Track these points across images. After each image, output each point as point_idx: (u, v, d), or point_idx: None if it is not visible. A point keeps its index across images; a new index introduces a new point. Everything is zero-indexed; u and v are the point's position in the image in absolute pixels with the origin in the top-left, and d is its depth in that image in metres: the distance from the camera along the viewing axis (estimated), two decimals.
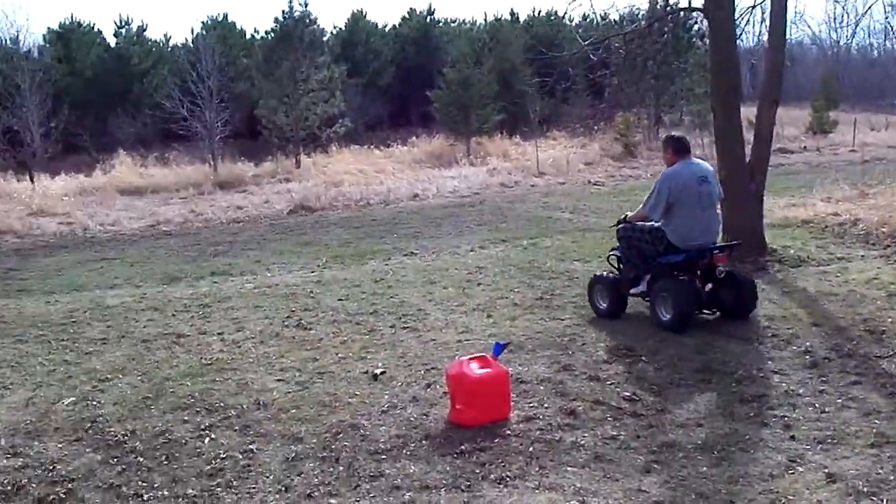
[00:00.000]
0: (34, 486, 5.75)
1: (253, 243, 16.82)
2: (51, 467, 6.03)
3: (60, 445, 6.43)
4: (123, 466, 6.00)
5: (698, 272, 8.51)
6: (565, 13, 44.41)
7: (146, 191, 27.05)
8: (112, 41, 47.78)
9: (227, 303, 11.18)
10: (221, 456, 6.10)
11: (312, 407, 6.97)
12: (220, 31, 47.06)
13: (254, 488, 5.60)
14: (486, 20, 55.19)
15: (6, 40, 47.96)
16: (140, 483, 5.73)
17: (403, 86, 48.58)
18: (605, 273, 9.37)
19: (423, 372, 7.75)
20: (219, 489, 5.61)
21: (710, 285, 8.61)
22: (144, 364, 8.48)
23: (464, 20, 58.77)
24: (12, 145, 29.68)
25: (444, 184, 25.27)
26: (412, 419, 6.62)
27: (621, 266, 9.16)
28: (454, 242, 15.31)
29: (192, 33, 50.41)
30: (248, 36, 49.99)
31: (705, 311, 8.62)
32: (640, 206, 8.86)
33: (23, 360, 8.86)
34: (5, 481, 5.81)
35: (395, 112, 47.53)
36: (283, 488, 5.58)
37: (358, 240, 16.38)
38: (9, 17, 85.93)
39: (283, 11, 35.66)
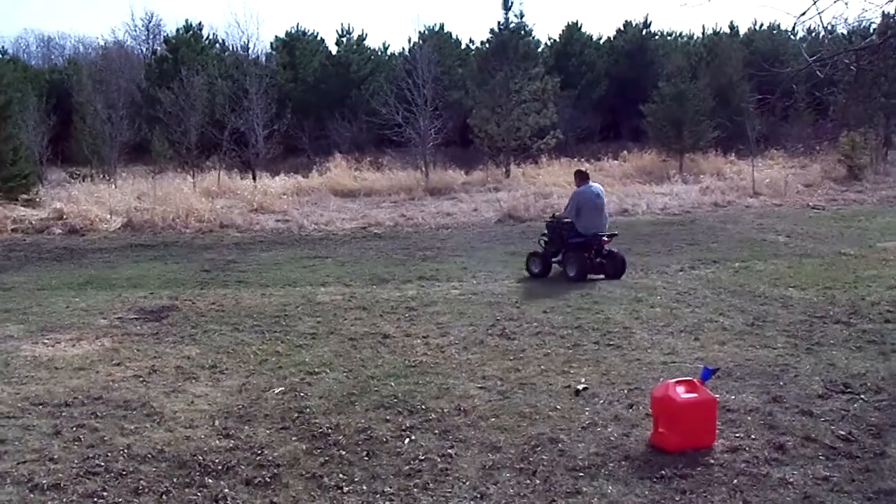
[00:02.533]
0: (243, 467, 6.00)
1: (460, 250, 17.01)
2: (259, 451, 6.28)
3: (269, 431, 6.69)
4: (326, 458, 6.16)
5: (592, 250, 13.53)
6: (793, 27, 42.03)
7: (359, 193, 27.91)
8: (333, 49, 49.78)
9: (433, 307, 11.34)
10: (420, 457, 6.16)
11: (512, 417, 6.94)
12: (436, 40, 48.01)
13: (449, 492, 5.61)
14: (703, 33, 53.47)
15: (237, 48, 51.23)
16: (341, 476, 5.87)
17: (616, 99, 47.89)
18: (537, 250, 14.17)
19: (626, 391, 7.56)
20: (415, 490, 5.66)
21: (598, 259, 13.56)
22: (351, 361, 8.72)
23: (680, 33, 57.05)
24: (238, 146, 31.42)
25: (654, 200, 24.71)
26: (612, 438, 6.45)
27: (547, 244, 14.03)
28: (663, 261, 14.92)
29: (409, 42, 51.65)
30: (464, 46, 50.81)
31: (592, 274, 13.39)
32: (564, 209, 14.29)
33: (238, 348, 9.31)
34: (216, 461, 6.10)
35: (606, 125, 46.92)
36: (479, 496, 5.56)
37: None
38: (241, 25, 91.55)
39: (499, 22, 35.93)
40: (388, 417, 6.97)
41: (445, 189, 28.64)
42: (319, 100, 42.78)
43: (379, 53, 51.38)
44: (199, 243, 18.94)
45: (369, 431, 6.65)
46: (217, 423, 6.88)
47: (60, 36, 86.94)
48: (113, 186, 27.44)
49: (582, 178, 14.01)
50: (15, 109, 26.61)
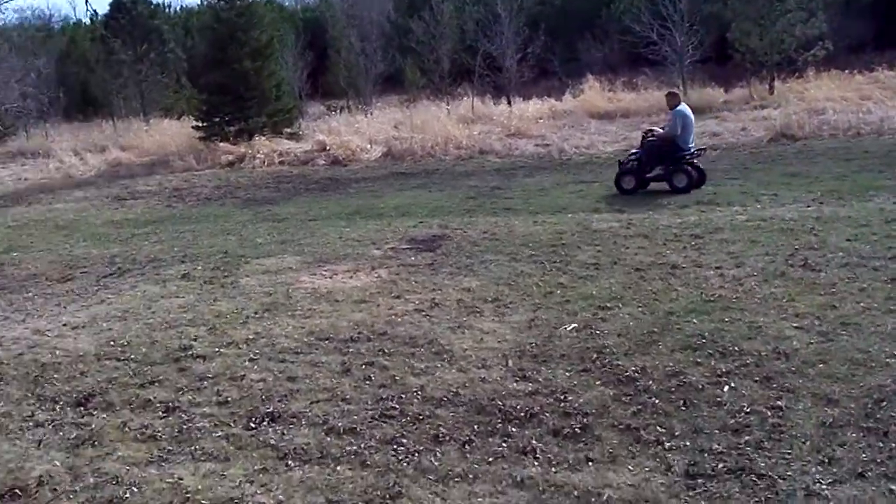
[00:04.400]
0: (547, 415, 5.42)
1: (735, 172, 15.68)
2: (561, 397, 5.67)
3: (569, 374, 6.07)
4: (638, 406, 5.47)
5: (691, 163, 14.10)
6: None
7: (615, 115, 26.74)
8: None
9: (720, 234, 10.30)
10: (745, 409, 5.33)
11: (843, 364, 5.92)
12: None
13: (789, 454, 4.76)
14: None
15: None
16: (659, 428, 5.16)
17: (890, 4, 43.42)
18: (629, 165, 14.39)
19: None
20: (748, 449, 4.85)
21: (694, 171, 14.07)
22: (641, 294, 7.94)
23: None
24: (491, 71, 31.00)
25: None
26: None
27: (642, 160, 14.25)
28: None
29: None
30: None
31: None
32: (666, 129, 14.44)
33: (519, 280, 8.76)
34: (518, 406, 5.55)
35: (879, 32, 42.69)
36: (826, 460, 4.67)
37: (853, 173, 14.53)
38: None
39: None
40: (698, 360, 6.15)
41: (706, 108, 26.86)
42: (568, 21, 41.51)
43: None
44: (460, 170, 18.67)
45: (681, 377, 5.87)
46: (511, 362, 6.34)
47: None
48: (370, 117, 27.79)
49: (675, 98, 14.61)
50: (276, 47, 27.35)
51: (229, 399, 6.01)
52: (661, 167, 14.13)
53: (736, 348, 6.33)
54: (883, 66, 33.10)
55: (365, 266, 9.79)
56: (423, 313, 7.74)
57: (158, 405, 6.00)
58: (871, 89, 28.59)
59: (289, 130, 25.26)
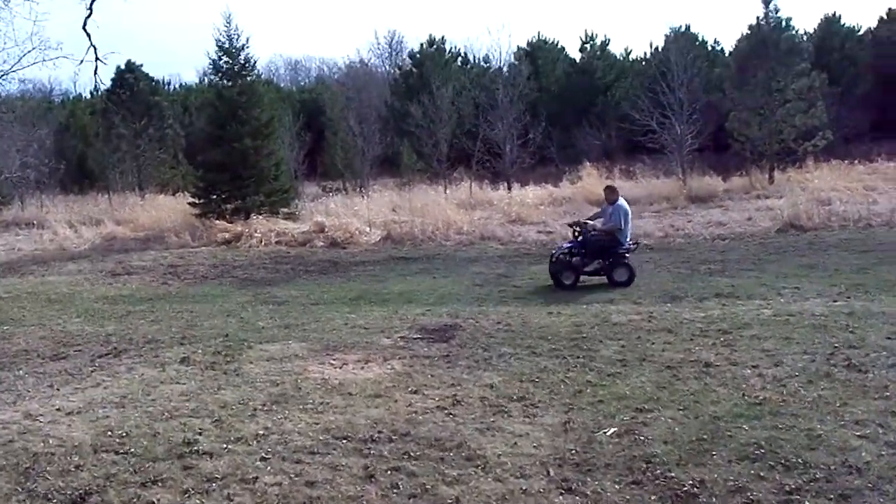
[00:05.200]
0: None
1: (747, 263, 15.29)
2: None
3: (618, 487, 5.51)
4: None
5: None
6: None
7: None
8: (576, 56, 48.79)
9: (749, 330, 9.82)
10: None
11: None
12: (684, 41, 45.89)
13: None
14: None
15: (479, 60, 51.10)
16: None
17: (885, 94, 43.81)
18: (566, 259, 14.02)
19: None
20: None
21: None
22: (679, 395, 7.41)
23: None
24: (491, 156, 30.89)
25: None
26: None
27: (578, 255, 14.01)
28: None
29: (651, 47, 49.71)
30: (710, 48, 48.31)
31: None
32: (606, 223, 14.26)
33: (543, 376, 8.22)
34: None
35: (876, 123, 42.97)
36: None
37: (873, 266, 14.16)
38: (491, 34, 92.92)
39: (758, 18, 33.54)
40: (760, 473, 5.59)
41: (707, 197, 26.78)
42: (565, 108, 41.79)
43: (622, 59, 49.78)
44: (463, 256, 18.23)
45: (745, 493, 5.31)
46: (552, 472, 5.76)
47: (306, 59, 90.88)
48: (367, 199, 27.49)
49: (614, 193, 14.44)
50: (276, 127, 27.18)
51: None
52: (598, 261, 14.01)
53: (799, 460, 5.78)
54: (882, 155, 33.22)
55: (376, 356, 9.23)
56: (446, 411, 7.16)
57: None
58: (874, 179, 28.61)
59: (286, 210, 24.88)
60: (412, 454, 6.16)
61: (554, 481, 5.61)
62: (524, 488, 5.51)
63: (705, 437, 6.29)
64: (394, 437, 6.52)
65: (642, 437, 6.35)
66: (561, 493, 5.43)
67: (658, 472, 5.69)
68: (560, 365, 8.64)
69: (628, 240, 14.22)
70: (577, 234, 14.31)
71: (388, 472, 5.83)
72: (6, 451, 6.52)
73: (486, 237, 20.50)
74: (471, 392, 7.73)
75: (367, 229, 21.62)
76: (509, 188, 28.76)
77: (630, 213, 14.39)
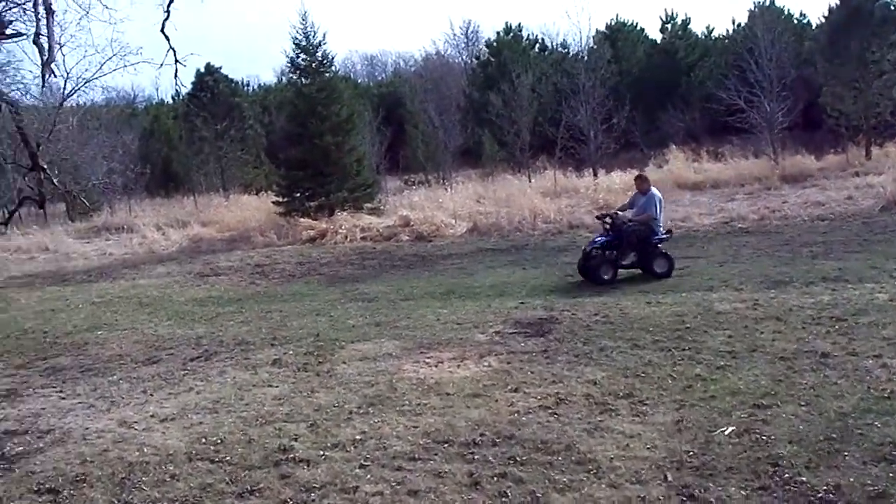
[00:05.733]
0: None
1: (853, 244, 14.55)
2: None
3: (744, 493, 5.10)
4: None
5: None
6: None
7: (704, 186, 25.71)
8: (657, 37, 47.78)
9: (865, 316, 9.21)
10: None
11: None
12: (768, 16, 44.51)
13: None
14: None
15: (556, 46, 50.46)
16: None
17: None
18: (602, 253, 13.37)
19: None
20: None
21: None
22: (798, 390, 6.91)
23: None
24: (575, 142, 30.31)
25: None
26: None
27: (609, 251, 13.37)
28: None
29: (734, 24, 48.21)
30: (795, 21, 46.73)
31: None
32: (638, 213, 13.63)
33: (649, 371, 7.80)
34: None
35: None
36: None
37: None
38: (570, 18, 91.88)
39: None
40: None
41: (800, 176, 25.73)
42: (647, 90, 40.78)
43: (704, 38, 48.52)
44: (552, 245, 17.83)
45: (889, 498, 4.85)
46: (670, 476, 5.37)
47: (382, 53, 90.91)
48: (450, 191, 27.22)
49: (646, 182, 14.14)
50: (356, 122, 27.08)
51: None
52: (633, 254, 13.40)
53: None
54: None
55: (472, 353, 8.92)
56: (550, 411, 6.81)
57: None
58: None
59: (370, 205, 24.75)
60: (518, 458, 5.82)
61: (673, 487, 5.21)
62: (642, 496, 5.12)
63: (834, 435, 5.81)
64: (497, 441, 6.19)
65: (764, 437, 5.90)
66: (682, 501, 5.03)
67: (786, 475, 5.24)
68: (665, 358, 8.20)
69: (661, 229, 13.69)
70: (607, 226, 13.62)
71: (495, 479, 5.50)
72: (102, 462, 6.39)
73: (574, 225, 20.03)
74: (574, 389, 7.36)
75: (453, 221, 21.34)
76: (595, 175, 28.12)
77: (663, 201, 14.06)
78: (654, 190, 13.83)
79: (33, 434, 7.26)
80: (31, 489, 5.97)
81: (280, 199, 25.36)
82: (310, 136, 24.51)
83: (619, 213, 13.85)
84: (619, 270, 13.26)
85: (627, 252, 13.35)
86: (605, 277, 13.01)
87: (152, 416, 7.55)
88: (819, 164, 27.70)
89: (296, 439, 6.53)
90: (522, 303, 11.73)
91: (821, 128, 33.32)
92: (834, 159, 28.42)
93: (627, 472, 5.47)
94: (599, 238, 13.55)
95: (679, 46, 45.56)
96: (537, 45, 49.68)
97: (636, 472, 5.46)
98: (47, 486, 5.99)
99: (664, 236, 13.69)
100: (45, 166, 12.16)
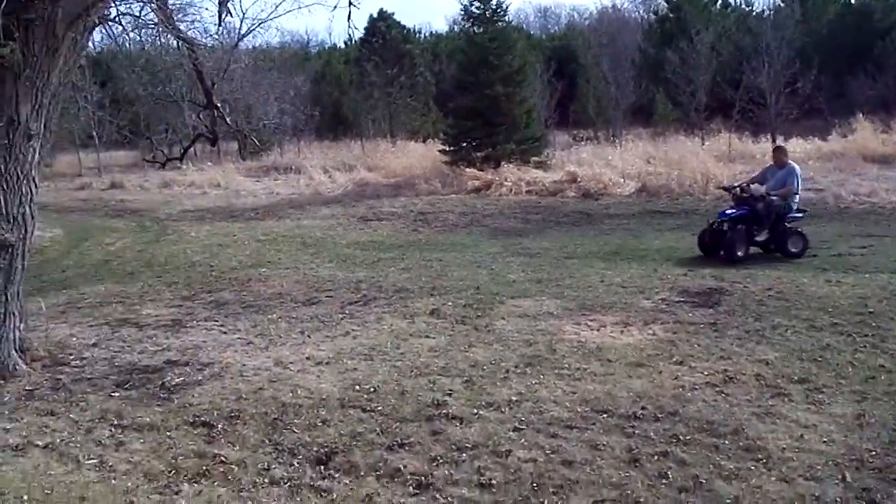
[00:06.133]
0: None
1: None
2: None
3: None
4: None
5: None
6: None
7: (893, 160, 24.01)
8: None
9: None
10: None
11: None
12: None
13: None
14: None
15: (740, 3, 48.26)
16: None
17: None
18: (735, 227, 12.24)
19: None
20: None
21: None
22: None
23: None
24: (754, 105, 28.94)
25: None
26: None
27: (744, 225, 12.30)
28: None
29: None
30: None
31: None
32: (774, 187, 12.50)
33: (826, 355, 7.22)
34: None
35: None
36: None
37: None
38: None
39: None
40: None
41: None
42: (836, 54, 38.39)
43: None
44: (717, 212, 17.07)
45: None
46: (849, 476, 4.90)
47: (556, 6, 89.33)
48: (620, 149, 26.53)
49: (784, 153, 13.30)
50: (527, 73, 26.66)
51: (493, 481, 4.96)
52: (767, 231, 12.50)
53: None
54: None
55: (636, 319, 8.54)
56: (717, 389, 6.39)
57: (409, 478, 5.05)
58: None
59: (536, 159, 24.39)
60: (681, 438, 5.46)
61: (852, 489, 4.75)
62: (816, 494, 4.69)
63: None
64: (660, 416, 5.84)
65: None
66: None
67: None
68: (845, 343, 7.59)
69: (801, 205, 12.96)
70: (744, 197, 12.55)
71: (655, 458, 5.18)
72: (256, 399, 6.42)
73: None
74: (743, 368, 6.89)
75: (621, 180, 20.79)
76: (773, 140, 26.74)
77: (802, 175, 13.07)
78: (793, 164, 13.01)
79: (193, 366, 7.38)
80: (186, 420, 6.04)
81: (447, 148, 25.33)
82: (480, 85, 24.30)
83: (752, 185, 12.73)
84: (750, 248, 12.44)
85: (763, 228, 12.49)
86: (739, 254, 12.15)
87: (308, 357, 7.55)
88: None
89: (450, 394, 6.38)
90: (691, 270, 11.23)
91: None
92: None
93: (801, 466, 5.03)
94: (731, 211, 12.61)
95: (875, 7, 42.73)
96: (719, 1, 47.68)
97: (810, 467, 5.02)
98: (203, 419, 6.05)
99: (799, 215, 12.80)
100: (219, 105, 12.44)
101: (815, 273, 10.81)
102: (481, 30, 25.57)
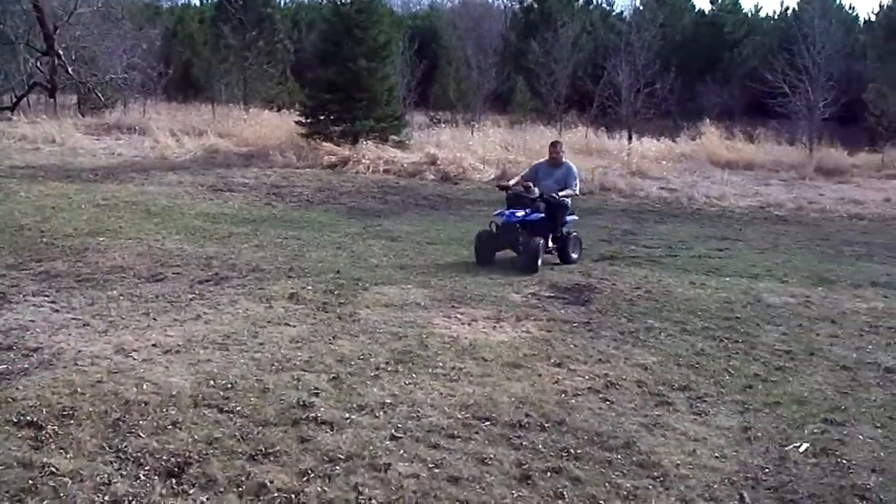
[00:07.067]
0: None
1: None
2: None
3: None
4: None
5: None
6: None
7: (737, 165, 24.80)
8: (705, 7, 46.82)
9: None
10: None
11: None
12: (821, 4, 43.29)
13: None
14: None
15: (602, 1, 49.20)
16: None
17: None
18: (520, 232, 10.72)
19: None
20: None
21: None
22: (866, 406, 6.29)
23: None
24: (613, 102, 29.35)
25: None
26: None
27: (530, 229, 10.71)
28: None
29: (781, 5, 47.16)
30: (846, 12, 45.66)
31: None
32: (550, 187, 11.07)
33: (702, 362, 7.13)
34: None
35: None
36: None
37: None
38: None
39: None
40: None
41: (835, 170, 24.77)
42: (688, 61, 39.58)
43: (750, 16, 47.42)
44: (583, 206, 17.06)
45: None
46: (748, 497, 4.68)
47: None
48: (479, 134, 26.36)
49: (561, 150, 11.65)
50: (392, 50, 26.11)
51: (373, 501, 4.47)
52: (549, 236, 11.12)
53: None
54: None
55: (508, 315, 8.25)
56: (600, 395, 6.13)
57: (277, 494, 4.48)
58: None
59: (396, 138, 23.88)
60: (572, 451, 5.13)
61: None
62: None
63: None
64: (546, 425, 5.51)
65: (844, 461, 5.24)
66: None
67: None
68: (719, 349, 7.54)
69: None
70: (515, 199, 11.04)
71: (548, 475, 4.82)
72: (94, 395, 5.67)
73: (606, 188, 19.29)
74: (624, 373, 6.68)
75: (481, 166, 20.60)
76: (630, 139, 27.17)
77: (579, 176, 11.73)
78: (569, 161, 11.70)
79: (18, 351, 6.55)
80: (9, 420, 5.23)
81: (303, 120, 24.43)
82: (343, 58, 23.50)
83: (529, 185, 11.07)
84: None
85: (548, 233, 11.03)
86: (540, 262, 10.55)
87: (154, 344, 6.84)
88: (852, 160, 26.79)
89: (317, 394, 5.85)
90: (557, 263, 11.04)
91: (856, 124, 32.42)
92: (867, 158, 27.53)
93: (698, 485, 4.80)
94: (513, 212, 10.77)
95: (726, 20, 44.44)
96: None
97: (708, 486, 4.79)
98: (28, 418, 5.25)
99: (575, 217, 11.69)
100: (61, 52, 11.34)
101: (678, 274, 10.83)
102: (348, 0, 24.80)
